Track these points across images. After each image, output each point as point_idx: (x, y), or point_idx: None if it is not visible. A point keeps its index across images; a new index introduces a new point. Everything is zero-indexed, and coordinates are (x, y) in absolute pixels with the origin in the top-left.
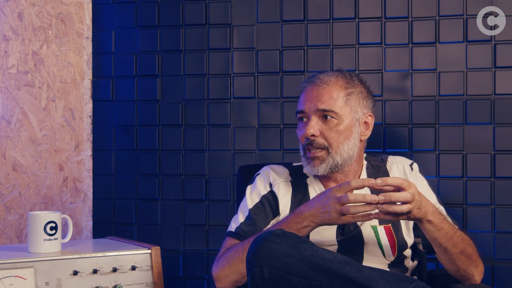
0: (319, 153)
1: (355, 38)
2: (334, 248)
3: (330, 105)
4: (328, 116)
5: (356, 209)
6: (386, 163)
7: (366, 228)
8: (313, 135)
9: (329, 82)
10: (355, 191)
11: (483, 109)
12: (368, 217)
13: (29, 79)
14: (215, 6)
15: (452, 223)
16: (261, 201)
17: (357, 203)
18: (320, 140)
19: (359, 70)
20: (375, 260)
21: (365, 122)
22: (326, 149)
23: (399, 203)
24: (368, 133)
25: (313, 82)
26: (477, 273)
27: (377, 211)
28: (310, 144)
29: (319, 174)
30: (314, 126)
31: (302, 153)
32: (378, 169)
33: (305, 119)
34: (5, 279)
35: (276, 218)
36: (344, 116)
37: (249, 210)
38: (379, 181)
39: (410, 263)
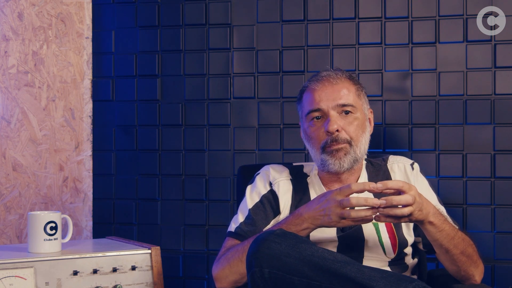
0: (342, 144)
1: (355, 38)
2: (334, 244)
3: (348, 99)
4: (348, 111)
5: (357, 214)
6: (387, 162)
7: (367, 225)
8: (337, 130)
9: (341, 78)
10: (355, 195)
11: (483, 109)
12: (368, 221)
13: (29, 79)
14: (215, 6)
15: (452, 223)
16: (261, 201)
17: (359, 207)
18: (343, 135)
19: (359, 70)
20: (375, 257)
21: (368, 118)
22: (349, 142)
23: (400, 206)
24: (371, 129)
25: (323, 80)
26: (477, 273)
27: (377, 214)
28: (334, 140)
29: (344, 167)
30: (337, 121)
31: (320, 151)
32: (379, 168)
33: (320, 117)
34: (5, 279)
35: (277, 217)
36: (359, 110)
37: (249, 210)
38: (379, 185)
39: (410, 261)
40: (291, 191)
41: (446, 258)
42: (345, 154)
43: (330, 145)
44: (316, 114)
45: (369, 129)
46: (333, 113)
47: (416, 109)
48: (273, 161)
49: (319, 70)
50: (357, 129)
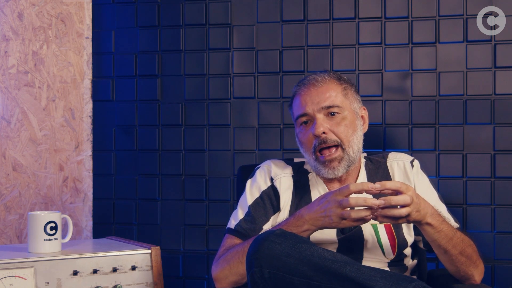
0: (334, 154)
1: (355, 38)
2: (334, 246)
3: (333, 101)
4: (334, 112)
5: (357, 214)
6: (387, 160)
7: (367, 227)
8: (324, 133)
9: (325, 81)
10: (355, 195)
11: (483, 109)
12: (368, 220)
13: (29, 79)
14: (215, 6)
15: (453, 221)
16: (261, 197)
17: (358, 207)
18: (331, 137)
19: (359, 70)
20: (374, 258)
21: (362, 116)
22: (340, 145)
23: (399, 207)
24: (366, 126)
25: (308, 84)
26: (477, 273)
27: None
28: (323, 142)
29: (338, 175)
30: (323, 124)
31: (313, 157)
32: (378, 166)
33: (308, 122)
34: (5, 279)
35: (276, 213)
36: (346, 109)
37: (249, 206)
38: (377, 185)
39: (410, 262)
40: (292, 188)
41: (445, 258)
42: (339, 163)
43: (319, 147)
44: (304, 119)
45: (361, 127)
46: (319, 116)
47: (416, 109)
48: None
49: (319, 70)
50: (345, 129)
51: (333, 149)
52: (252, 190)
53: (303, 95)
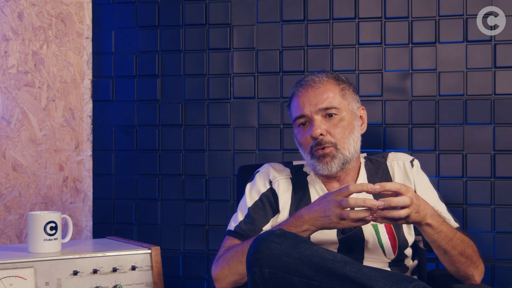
0: (327, 149)
1: (355, 38)
2: (335, 246)
3: (330, 102)
4: (332, 114)
5: (356, 215)
6: (386, 160)
7: (367, 227)
8: (321, 134)
9: (322, 82)
10: (355, 195)
11: (483, 109)
12: (367, 221)
13: (29, 79)
14: (215, 6)
15: (453, 221)
16: (260, 199)
17: (358, 207)
18: (328, 138)
19: (359, 70)
20: (375, 258)
21: (360, 116)
22: (334, 145)
23: (398, 208)
24: (364, 126)
25: (306, 85)
26: (477, 273)
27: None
28: (318, 144)
29: (333, 171)
30: (320, 126)
31: (309, 156)
32: (378, 165)
33: (306, 123)
34: (5, 279)
35: (276, 215)
36: (344, 110)
37: (248, 208)
38: (377, 186)
39: (410, 262)
40: (291, 190)
41: (444, 258)
42: (332, 158)
43: (316, 149)
44: (302, 120)
45: (359, 128)
46: (317, 118)
47: (416, 109)
48: (273, 161)
49: (318, 71)
50: (342, 130)
51: (326, 147)
52: (252, 193)
53: (301, 97)
